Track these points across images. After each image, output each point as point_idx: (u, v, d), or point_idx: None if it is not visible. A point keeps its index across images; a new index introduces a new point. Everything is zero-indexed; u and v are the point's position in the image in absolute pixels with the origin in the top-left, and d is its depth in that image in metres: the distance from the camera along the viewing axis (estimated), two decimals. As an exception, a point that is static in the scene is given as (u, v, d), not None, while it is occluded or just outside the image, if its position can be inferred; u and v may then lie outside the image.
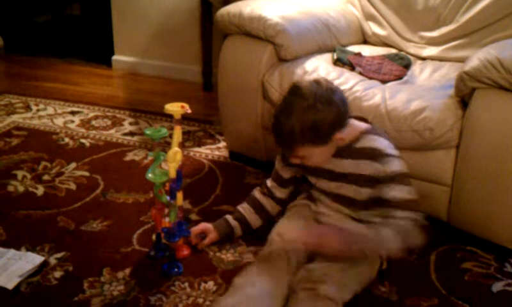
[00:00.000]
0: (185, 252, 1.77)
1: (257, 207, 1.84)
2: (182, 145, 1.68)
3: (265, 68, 2.21)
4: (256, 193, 1.86)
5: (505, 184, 1.71)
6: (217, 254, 1.79)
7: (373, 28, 2.60)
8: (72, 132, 2.74)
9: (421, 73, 2.23)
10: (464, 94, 1.79)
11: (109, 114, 3.00)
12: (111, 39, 3.85)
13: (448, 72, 2.17)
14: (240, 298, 1.48)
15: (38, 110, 3.03)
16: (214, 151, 2.56)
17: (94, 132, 2.75)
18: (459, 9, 2.35)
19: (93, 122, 2.88)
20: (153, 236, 1.78)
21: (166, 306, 1.56)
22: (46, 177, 2.27)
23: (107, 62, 3.91)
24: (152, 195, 2.06)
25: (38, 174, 2.29)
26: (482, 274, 1.74)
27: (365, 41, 2.63)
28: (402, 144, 1.87)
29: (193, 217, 2.01)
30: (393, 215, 1.52)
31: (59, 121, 2.88)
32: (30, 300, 1.58)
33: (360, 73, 2.16)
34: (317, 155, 1.56)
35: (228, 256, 1.78)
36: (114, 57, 3.89)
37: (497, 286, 1.69)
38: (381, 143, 1.59)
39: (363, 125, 1.63)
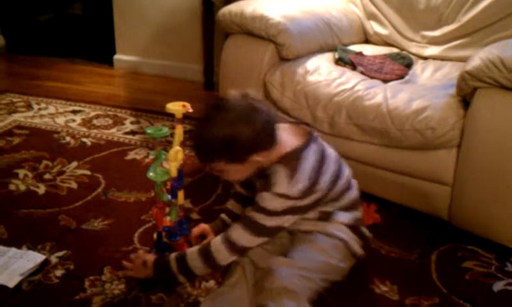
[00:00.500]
0: (186, 251, 1.77)
1: (240, 200, 1.83)
2: (183, 144, 1.68)
3: (266, 68, 2.21)
4: (237, 186, 1.84)
5: (507, 183, 1.71)
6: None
7: (375, 27, 2.60)
8: (73, 131, 2.74)
9: (423, 73, 2.23)
10: (466, 93, 1.79)
11: (110, 113, 3.00)
12: (113, 38, 3.85)
13: (450, 72, 2.17)
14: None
15: (39, 109, 3.03)
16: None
17: (95, 131, 2.75)
18: (461, 9, 2.35)
19: (95, 121, 2.88)
20: (154, 235, 1.78)
21: (167, 305, 1.56)
22: (47, 176, 2.27)
23: (109, 62, 3.91)
24: (153, 194, 2.06)
25: (39, 173, 2.29)
26: (483, 273, 1.74)
27: (366, 41, 2.64)
28: (403, 143, 1.88)
29: (194, 216, 2.01)
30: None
31: (61, 120, 2.88)
32: (31, 299, 1.58)
33: (362, 73, 2.16)
34: (232, 173, 1.53)
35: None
36: (116, 56, 3.89)
37: (498, 286, 1.68)
38: (278, 179, 1.49)
39: (291, 145, 1.53)
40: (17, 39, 4.44)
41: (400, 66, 2.24)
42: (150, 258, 1.63)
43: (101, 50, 4.14)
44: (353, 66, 2.20)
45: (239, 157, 1.48)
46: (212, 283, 1.64)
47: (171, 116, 1.62)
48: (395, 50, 2.49)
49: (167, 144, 2.36)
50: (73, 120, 2.89)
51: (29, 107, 3.06)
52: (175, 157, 1.61)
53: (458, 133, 1.79)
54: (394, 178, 1.97)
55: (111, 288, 1.62)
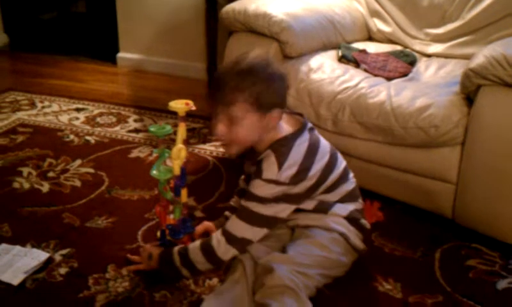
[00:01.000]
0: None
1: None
2: (186, 142, 1.68)
3: (270, 65, 2.21)
4: (241, 183, 1.85)
5: (511, 181, 1.70)
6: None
7: (378, 25, 2.59)
8: (77, 129, 2.74)
9: (426, 70, 2.23)
10: (470, 91, 1.79)
11: (114, 111, 3.01)
12: (116, 36, 3.85)
13: (454, 69, 2.17)
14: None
15: (43, 107, 3.04)
16: (218, 148, 2.56)
17: (99, 129, 2.76)
18: (465, 6, 2.34)
19: (98, 119, 2.88)
20: (158, 233, 1.78)
21: (171, 302, 1.56)
22: (51, 174, 2.28)
23: (112, 60, 3.92)
24: (156, 192, 2.06)
25: (43, 171, 2.30)
26: (486, 272, 1.74)
27: (370, 38, 2.63)
28: (407, 141, 1.88)
29: (198, 214, 2.01)
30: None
31: (64, 118, 2.88)
32: (35, 297, 1.58)
33: (365, 70, 2.16)
34: (244, 128, 1.51)
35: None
36: (119, 55, 3.89)
37: (502, 284, 1.68)
38: (268, 165, 1.52)
39: (283, 132, 1.57)
40: (21, 37, 4.44)
41: (403, 63, 2.24)
42: (156, 250, 1.66)
43: (104, 48, 4.14)
44: (357, 64, 2.20)
45: (265, 104, 1.49)
46: (215, 280, 1.64)
47: (174, 114, 1.62)
48: (398, 47, 2.48)
49: (170, 142, 2.35)
50: (77, 118, 2.89)
51: (32, 105, 3.06)
52: (178, 155, 1.61)
53: (462, 131, 1.79)
54: (398, 176, 1.97)
55: (115, 285, 1.63)
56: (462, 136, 1.79)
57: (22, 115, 2.91)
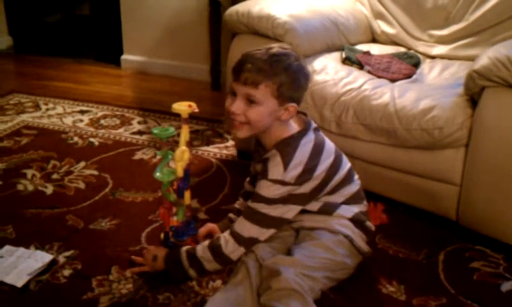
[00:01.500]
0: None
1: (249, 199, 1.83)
2: (190, 144, 1.68)
3: (273, 67, 2.21)
4: (247, 185, 1.85)
5: (515, 183, 1.70)
6: (225, 252, 1.79)
7: (382, 26, 2.59)
8: (81, 131, 2.75)
9: (430, 72, 2.22)
10: (474, 92, 1.78)
11: (117, 113, 3.01)
12: (120, 38, 3.86)
13: (458, 71, 2.16)
14: None
15: (47, 109, 3.05)
16: (222, 150, 2.57)
17: (103, 131, 2.76)
18: (469, 8, 2.34)
19: (102, 121, 2.89)
20: (162, 235, 1.78)
21: (174, 304, 1.56)
22: (55, 176, 2.28)
23: (116, 62, 3.93)
24: (160, 194, 2.06)
25: (47, 173, 2.30)
26: (491, 274, 1.73)
27: (373, 40, 2.63)
28: (411, 143, 1.87)
29: (201, 215, 2.01)
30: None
31: (68, 120, 2.89)
32: (39, 299, 1.59)
33: (369, 72, 2.16)
34: (260, 110, 1.51)
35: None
36: (123, 57, 3.90)
37: (506, 286, 1.67)
38: (273, 165, 1.54)
39: (289, 132, 1.58)
40: (25, 39, 4.46)
41: (407, 65, 2.24)
42: (161, 252, 1.66)
43: (108, 50, 4.16)
44: (360, 66, 2.20)
45: (285, 95, 1.51)
46: (218, 282, 1.64)
47: (178, 116, 1.62)
48: (402, 49, 2.48)
49: (174, 144, 2.36)
50: (81, 120, 2.90)
51: (36, 107, 3.07)
52: (181, 157, 1.61)
53: (466, 133, 1.78)
54: (401, 178, 1.97)
55: (119, 287, 1.63)
56: (466, 138, 1.79)
57: (26, 117, 2.92)
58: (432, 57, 2.40)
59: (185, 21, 3.57)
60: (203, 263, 1.59)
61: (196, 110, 1.63)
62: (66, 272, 1.69)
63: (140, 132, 2.75)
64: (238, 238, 1.57)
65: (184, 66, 3.68)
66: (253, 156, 1.74)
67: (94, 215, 2.00)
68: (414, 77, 2.16)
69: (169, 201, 1.70)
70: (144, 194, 2.15)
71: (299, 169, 1.53)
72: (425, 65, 2.30)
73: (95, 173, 2.32)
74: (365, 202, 1.72)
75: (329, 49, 2.35)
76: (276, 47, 1.53)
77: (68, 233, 1.89)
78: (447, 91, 1.92)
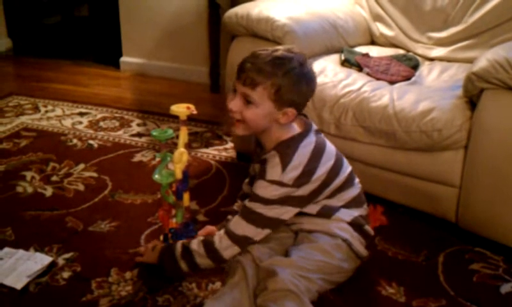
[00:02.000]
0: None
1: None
2: (188, 146, 1.68)
3: (272, 69, 2.21)
4: (245, 186, 1.85)
5: (514, 185, 1.70)
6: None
7: (381, 29, 2.59)
8: (80, 133, 2.75)
9: (429, 74, 2.23)
10: (473, 95, 1.79)
11: (117, 115, 3.01)
12: (119, 40, 3.86)
13: (457, 73, 2.17)
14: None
15: (46, 111, 3.05)
16: (221, 152, 2.57)
17: (102, 133, 2.76)
18: (468, 10, 2.34)
19: (101, 123, 2.89)
20: (161, 237, 1.78)
21: (174, 306, 1.56)
22: (54, 178, 2.28)
23: (115, 64, 3.93)
24: (159, 196, 2.06)
25: (46, 175, 2.30)
26: (490, 275, 1.73)
27: (372, 42, 2.63)
28: (410, 145, 1.88)
29: (200, 217, 2.01)
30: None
31: (68, 123, 2.89)
32: (38, 301, 1.59)
33: (368, 74, 2.16)
34: (257, 111, 1.50)
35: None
36: (122, 59, 3.90)
37: (506, 288, 1.68)
38: (272, 166, 1.53)
39: (289, 133, 1.57)
40: (24, 41, 4.45)
41: (406, 67, 2.24)
42: (161, 244, 1.69)
43: (108, 52, 4.15)
44: (359, 68, 2.20)
45: (284, 100, 1.49)
46: (218, 284, 1.64)
47: (177, 118, 1.62)
48: (401, 51, 2.48)
49: (173, 146, 2.36)
50: (80, 122, 2.90)
51: (36, 109, 3.07)
52: (180, 159, 1.61)
53: (465, 135, 1.79)
54: (401, 180, 1.97)
55: (118, 289, 1.63)
56: (465, 140, 1.79)
57: (25, 119, 2.92)
58: (431, 60, 2.41)
59: (184, 23, 3.58)
60: (195, 257, 1.58)
61: (195, 112, 1.63)
62: (66, 274, 1.69)
63: (139, 134, 2.75)
64: (232, 236, 1.56)
65: (183, 68, 3.68)
66: (252, 157, 1.73)
67: (93, 217, 2.00)
68: (413, 79, 2.16)
69: (168, 203, 1.70)
70: (144, 196, 2.15)
71: (297, 171, 1.53)
72: (424, 67, 2.30)
73: (94, 175, 2.32)
74: (365, 206, 1.72)
75: (328, 51, 2.35)
76: (281, 50, 1.51)
77: (67, 235, 1.89)
78: (446, 93, 1.92)
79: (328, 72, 2.14)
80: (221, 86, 3.40)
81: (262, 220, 1.56)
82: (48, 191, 2.18)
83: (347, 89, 2.03)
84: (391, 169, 1.98)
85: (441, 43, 2.42)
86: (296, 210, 1.59)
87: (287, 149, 1.54)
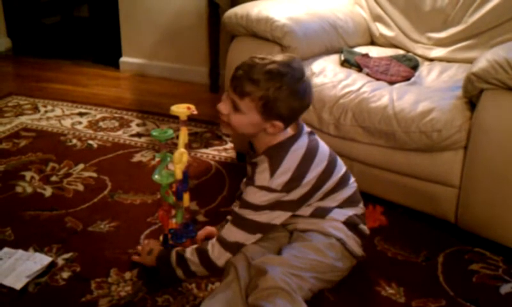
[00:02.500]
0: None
1: None
2: (188, 146, 1.68)
3: (272, 70, 2.21)
4: (243, 186, 1.84)
5: (514, 185, 1.70)
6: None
7: (380, 29, 2.59)
8: (79, 133, 2.75)
9: (429, 74, 2.23)
10: (473, 95, 1.79)
11: (116, 115, 3.01)
12: (119, 41, 3.86)
13: (456, 73, 2.17)
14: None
15: (46, 111, 3.04)
16: (221, 152, 2.57)
17: (102, 133, 2.76)
18: (467, 10, 2.34)
19: (101, 123, 2.89)
20: (161, 238, 1.78)
21: (173, 306, 1.56)
22: (54, 178, 2.28)
23: (115, 64, 3.93)
24: (159, 196, 2.06)
25: (46, 175, 2.30)
26: (490, 276, 1.73)
27: (372, 43, 2.63)
28: (409, 145, 1.88)
29: (200, 218, 2.01)
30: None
31: (67, 123, 2.89)
32: (38, 301, 1.58)
33: (368, 74, 2.16)
34: (242, 119, 1.50)
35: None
36: (122, 59, 3.90)
37: (505, 288, 1.68)
38: (261, 171, 1.53)
39: (280, 137, 1.55)
40: (24, 41, 4.45)
41: (406, 68, 2.24)
42: (157, 248, 1.69)
43: (107, 52, 4.15)
44: (359, 68, 2.20)
45: (272, 113, 1.47)
46: (217, 284, 1.64)
47: (177, 118, 1.62)
48: (401, 51, 2.48)
49: (173, 146, 2.36)
50: (80, 122, 2.90)
51: (35, 109, 3.07)
52: (180, 159, 1.61)
53: (465, 135, 1.79)
54: (400, 180, 1.97)
55: (118, 290, 1.63)
56: (465, 140, 1.79)
57: (24, 119, 2.92)
58: (431, 60, 2.41)
59: (184, 23, 3.58)
60: (190, 265, 1.59)
61: (195, 112, 1.63)
62: (65, 275, 1.69)
63: (139, 134, 2.75)
64: (224, 243, 1.56)
65: (183, 68, 3.68)
66: (246, 157, 1.73)
67: (93, 217, 2.00)
68: (412, 79, 2.16)
69: (168, 204, 1.70)
70: (143, 196, 2.15)
71: (286, 176, 1.52)
72: (424, 68, 2.30)
73: (94, 175, 2.31)
74: (361, 205, 1.71)
75: (328, 52, 2.35)
76: (278, 63, 1.47)
77: (67, 235, 1.89)
78: (446, 94, 1.92)
79: (328, 72, 2.14)
80: (220, 86, 3.40)
81: (252, 226, 1.56)
82: (48, 191, 2.17)
83: (346, 90, 2.03)
84: (390, 170, 1.98)
85: (440, 43, 2.42)
86: (288, 214, 1.58)
87: (276, 153, 1.53)
